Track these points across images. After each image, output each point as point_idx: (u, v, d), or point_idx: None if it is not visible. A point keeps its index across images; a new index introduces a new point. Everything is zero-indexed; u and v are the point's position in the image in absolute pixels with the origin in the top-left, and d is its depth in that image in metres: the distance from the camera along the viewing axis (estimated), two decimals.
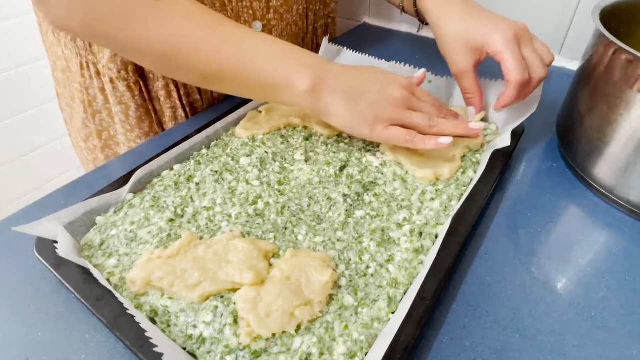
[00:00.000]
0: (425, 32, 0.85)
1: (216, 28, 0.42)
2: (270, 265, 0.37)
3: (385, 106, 0.43)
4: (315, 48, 0.76)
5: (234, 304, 0.33)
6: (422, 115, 0.44)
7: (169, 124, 0.61)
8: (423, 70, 0.51)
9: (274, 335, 0.31)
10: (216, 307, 0.33)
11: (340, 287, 0.35)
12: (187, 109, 0.61)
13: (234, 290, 0.34)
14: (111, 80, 0.56)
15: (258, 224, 0.40)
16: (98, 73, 0.56)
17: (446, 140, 0.42)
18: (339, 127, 0.44)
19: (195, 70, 0.42)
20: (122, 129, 0.60)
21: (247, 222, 0.41)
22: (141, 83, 0.57)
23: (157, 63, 0.43)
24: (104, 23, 0.39)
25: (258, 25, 0.58)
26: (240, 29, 0.43)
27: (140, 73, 0.57)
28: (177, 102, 0.59)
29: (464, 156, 0.48)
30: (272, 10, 0.60)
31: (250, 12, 0.57)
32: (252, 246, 0.37)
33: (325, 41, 0.64)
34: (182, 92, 0.59)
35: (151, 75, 0.57)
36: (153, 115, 0.60)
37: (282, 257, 0.37)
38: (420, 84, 0.50)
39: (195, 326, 0.32)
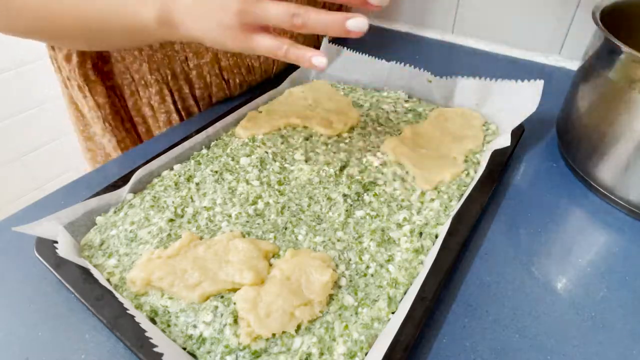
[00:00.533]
0: (425, 33, 0.85)
1: None
2: (271, 265, 0.37)
3: (232, 2, 0.36)
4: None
5: (234, 304, 0.33)
6: (280, 4, 0.36)
7: (163, 129, 0.61)
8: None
9: (274, 335, 0.31)
10: (216, 307, 0.33)
11: (340, 287, 0.35)
12: (183, 113, 0.61)
13: (234, 290, 0.34)
14: (78, 87, 0.56)
15: (258, 224, 0.40)
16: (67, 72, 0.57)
17: (320, 64, 0.36)
18: (208, 43, 0.40)
19: (66, 30, 0.43)
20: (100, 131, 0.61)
21: (247, 222, 0.41)
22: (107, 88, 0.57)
23: (58, 38, 0.44)
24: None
25: None
26: None
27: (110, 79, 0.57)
28: (172, 106, 0.59)
29: (466, 159, 0.48)
30: None
31: None
32: (252, 246, 0.37)
33: (325, 41, 0.64)
34: (176, 97, 0.59)
35: (143, 82, 0.57)
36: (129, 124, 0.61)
37: (282, 257, 0.37)
38: None
39: (195, 326, 0.32)
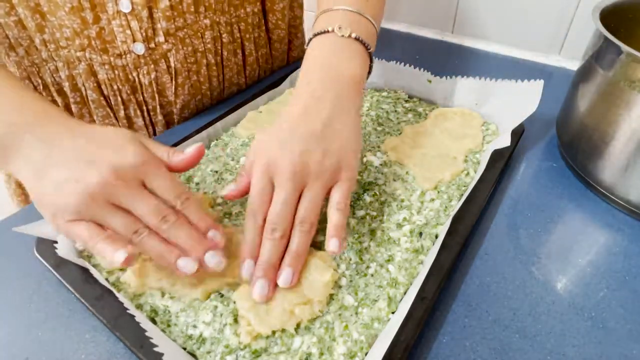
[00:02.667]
0: (425, 33, 0.85)
1: None
2: None
3: (72, 195, 0.31)
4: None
5: (234, 302, 0.33)
6: (125, 219, 0.32)
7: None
8: (194, 149, 0.36)
9: (273, 333, 0.31)
10: (215, 307, 0.33)
11: (340, 286, 0.35)
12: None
13: (236, 285, 0.34)
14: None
15: None
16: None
17: (121, 258, 0.31)
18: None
19: None
20: None
21: None
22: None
23: None
24: None
25: (139, 47, 0.49)
26: None
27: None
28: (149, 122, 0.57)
29: (466, 159, 0.48)
30: (161, 33, 0.50)
31: (128, 31, 0.48)
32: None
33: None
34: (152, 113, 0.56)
35: (119, 99, 0.54)
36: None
37: None
38: (179, 167, 0.35)
39: (195, 326, 0.32)
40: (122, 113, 0.55)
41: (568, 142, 0.50)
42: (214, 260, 0.32)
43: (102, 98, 0.53)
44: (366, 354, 0.31)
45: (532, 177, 0.49)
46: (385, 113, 0.56)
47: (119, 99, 0.54)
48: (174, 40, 0.52)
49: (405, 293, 0.35)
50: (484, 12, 0.78)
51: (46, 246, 0.38)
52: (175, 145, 0.49)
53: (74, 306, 0.36)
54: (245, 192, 0.37)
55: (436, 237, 0.40)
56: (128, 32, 0.48)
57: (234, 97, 0.63)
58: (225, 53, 0.58)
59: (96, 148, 0.33)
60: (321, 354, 0.31)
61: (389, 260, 0.37)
